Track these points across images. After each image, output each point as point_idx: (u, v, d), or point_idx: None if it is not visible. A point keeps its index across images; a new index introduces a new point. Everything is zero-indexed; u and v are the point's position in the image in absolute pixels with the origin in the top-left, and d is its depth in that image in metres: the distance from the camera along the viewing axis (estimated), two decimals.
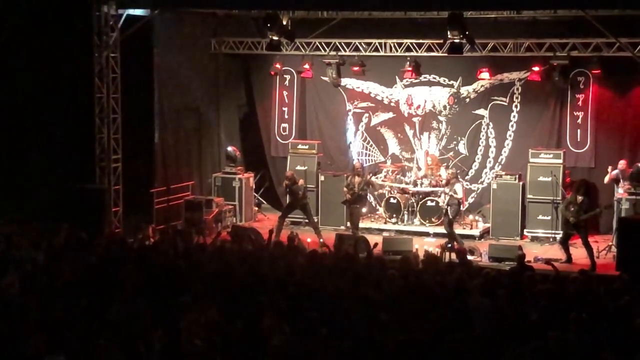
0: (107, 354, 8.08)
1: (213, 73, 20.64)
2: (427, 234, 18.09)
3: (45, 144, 17.09)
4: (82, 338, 8.61)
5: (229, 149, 20.45)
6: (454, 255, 14.39)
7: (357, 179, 17.62)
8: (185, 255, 12.53)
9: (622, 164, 17.61)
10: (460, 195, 17.40)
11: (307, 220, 18.13)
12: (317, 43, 19.39)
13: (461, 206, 17.73)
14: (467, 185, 19.49)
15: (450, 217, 17.08)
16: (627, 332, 8.99)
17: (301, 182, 17.91)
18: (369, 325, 8.98)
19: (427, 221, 18.16)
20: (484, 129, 19.58)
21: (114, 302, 9.68)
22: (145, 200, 18.23)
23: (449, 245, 15.15)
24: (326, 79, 19.64)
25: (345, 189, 17.72)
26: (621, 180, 17.43)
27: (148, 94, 18.45)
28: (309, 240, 16.85)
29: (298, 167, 19.51)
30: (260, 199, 21.15)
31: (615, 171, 17.48)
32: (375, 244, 14.12)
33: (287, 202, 18.31)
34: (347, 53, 19.25)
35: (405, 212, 18.63)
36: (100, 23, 16.90)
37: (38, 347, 8.20)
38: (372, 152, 20.56)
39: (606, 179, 17.64)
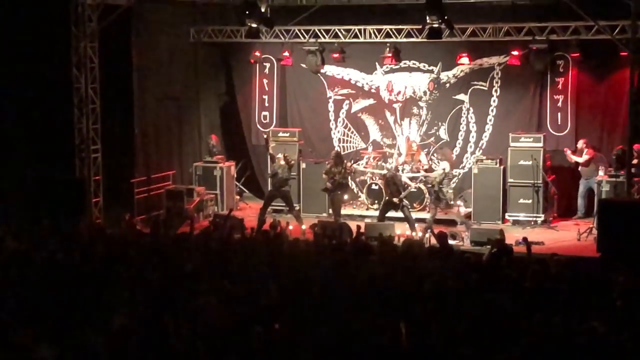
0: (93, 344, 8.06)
1: (192, 62, 20.57)
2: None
3: (24, 134, 16.97)
4: (69, 329, 8.57)
5: (211, 140, 20.41)
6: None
7: (337, 168, 17.59)
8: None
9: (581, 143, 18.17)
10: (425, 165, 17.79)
11: (287, 208, 18.09)
12: (297, 30, 19.35)
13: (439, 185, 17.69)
14: (448, 170, 19.51)
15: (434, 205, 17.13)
16: (609, 313, 9.02)
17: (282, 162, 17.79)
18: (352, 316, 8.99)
19: (410, 206, 18.14)
20: (464, 114, 19.61)
21: (101, 294, 9.63)
22: (126, 190, 18.16)
23: (429, 230, 15.15)
24: (304, 65, 19.57)
25: (325, 176, 17.70)
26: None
27: (127, 83, 18.36)
28: (290, 227, 16.86)
29: (279, 155, 19.42)
30: (242, 187, 21.12)
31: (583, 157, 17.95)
32: (359, 228, 14.11)
33: (267, 192, 18.13)
34: (327, 40, 19.21)
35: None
36: (78, 12, 16.76)
37: (24, 339, 8.17)
38: (353, 138, 20.56)
39: (582, 159, 17.82)
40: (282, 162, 17.65)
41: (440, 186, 17.31)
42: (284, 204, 18.21)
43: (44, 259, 11.33)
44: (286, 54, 19.72)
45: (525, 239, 13.03)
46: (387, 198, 17.21)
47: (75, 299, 9.47)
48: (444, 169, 17.46)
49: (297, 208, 18.45)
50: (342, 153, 19.70)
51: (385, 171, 18.04)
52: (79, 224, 14.68)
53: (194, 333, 8.29)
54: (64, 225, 13.38)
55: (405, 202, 17.15)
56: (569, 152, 18.28)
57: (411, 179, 18.34)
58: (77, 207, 16.26)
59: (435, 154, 19.60)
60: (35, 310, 9.09)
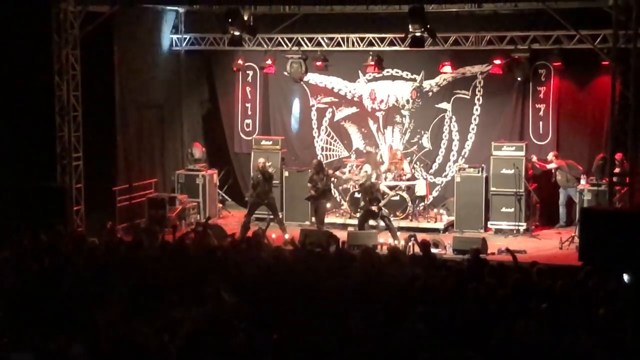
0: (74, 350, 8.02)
1: (175, 69, 20.51)
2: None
3: (5, 142, 16.88)
4: (49, 336, 8.52)
5: (194, 147, 20.34)
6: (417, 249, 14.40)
7: (318, 175, 17.56)
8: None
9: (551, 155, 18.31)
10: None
11: (272, 217, 18.02)
12: (279, 38, 19.33)
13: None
14: (431, 178, 19.57)
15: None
16: (590, 322, 9.03)
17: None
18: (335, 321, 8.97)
19: (392, 215, 18.12)
20: (447, 122, 19.65)
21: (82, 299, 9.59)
22: (108, 198, 18.08)
23: (413, 238, 15.15)
24: (287, 74, 19.55)
25: (309, 184, 17.67)
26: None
27: (109, 91, 18.27)
28: (273, 236, 16.82)
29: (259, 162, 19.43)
30: (225, 195, 21.07)
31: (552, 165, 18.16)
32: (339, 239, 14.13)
33: (251, 200, 18.05)
34: (310, 48, 19.20)
35: None
36: (60, 19, 16.71)
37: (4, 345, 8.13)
38: (336, 147, 20.55)
39: (552, 166, 17.97)
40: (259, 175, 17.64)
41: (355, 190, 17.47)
42: (266, 212, 18.13)
43: (23, 267, 11.28)
44: (269, 62, 19.70)
45: (507, 249, 13.03)
46: (366, 207, 17.19)
47: (56, 308, 9.42)
48: (366, 172, 17.38)
49: (280, 216, 18.40)
50: (326, 161, 19.75)
51: (362, 179, 17.96)
52: (60, 232, 14.60)
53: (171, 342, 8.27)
54: (44, 233, 13.30)
55: (385, 210, 17.13)
56: (534, 158, 18.35)
57: (391, 187, 18.34)
58: (58, 215, 16.17)
59: (417, 162, 19.61)
60: (13, 319, 9.04)
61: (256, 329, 8.63)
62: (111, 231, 15.50)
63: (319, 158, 19.13)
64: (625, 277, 11.16)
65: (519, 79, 18.34)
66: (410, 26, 15.91)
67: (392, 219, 17.45)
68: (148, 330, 8.46)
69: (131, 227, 17.54)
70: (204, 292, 9.90)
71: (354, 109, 20.33)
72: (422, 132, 19.81)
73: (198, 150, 20.35)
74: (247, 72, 20.75)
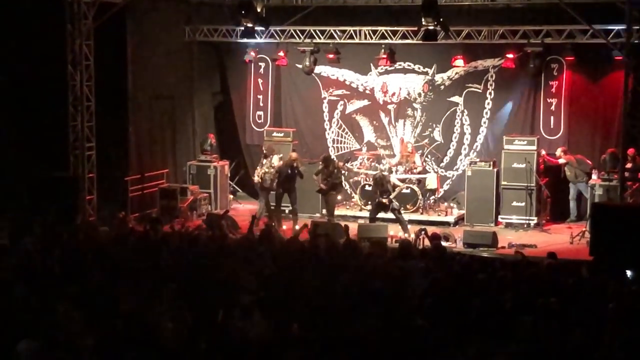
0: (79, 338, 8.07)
1: (187, 61, 20.56)
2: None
3: (19, 132, 16.95)
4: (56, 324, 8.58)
5: (207, 138, 20.38)
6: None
7: (327, 169, 17.56)
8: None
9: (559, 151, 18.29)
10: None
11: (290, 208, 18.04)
12: (292, 31, 19.35)
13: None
14: (442, 172, 19.58)
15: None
16: (599, 317, 9.04)
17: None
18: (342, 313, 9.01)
19: (402, 208, 18.14)
20: (458, 116, 19.65)
21: (91, 289, 9.64)
22: (120, 188, 18.17)
23: (423, 231, 15.18)
24: (299, 66, 19.59)
25: (315, 176, 17.67)
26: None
27: (122, 81, 18.34)
28: (284, 227, 16.91)
29: (277, 156, 19.47)
30: (236, 187, 21.13)
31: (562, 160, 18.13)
32: (347, 227, 14.17)
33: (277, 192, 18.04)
34: (322, 40, 19.22)
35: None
36: (74, 10, 16.75)
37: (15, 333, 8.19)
38: (348, 139, 20.57)
39: (562, 161, 17.98)
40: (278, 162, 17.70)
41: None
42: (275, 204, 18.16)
43: (38, 256, 11.35)
44: (281, 54, 19.73)
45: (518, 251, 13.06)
46: (377, 199, 17.23)
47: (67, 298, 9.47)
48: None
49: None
50: (337, 154, 19.78)
51: (375, 172, 18.04)
52: (73, 222, 14.69)
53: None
54: (58, 223, 13.38)
55: (396, 203, 17.15)
56: (543, 152, 18.34)
57: (402, 180, 18.36)
58: (71, 205, 16.25)
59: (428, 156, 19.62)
60: (26, 308, 9.09)
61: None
62: (123, 221, 15.59)
63: (327, 153, 19.18)
64: (629, 273, 11.20)
65: (531, 73, 18.31)
66: (423, 19, 15.90)
67: (402, 211, 17.47)
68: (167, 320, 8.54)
69: (143, 217, 17.62)
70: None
71: (365, 102, 20.35)
72: (434, 125, 19.81)
73: (209, 141, 20.39)
74: (259, 64, 20.79)
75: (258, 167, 18.25)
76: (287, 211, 18.13)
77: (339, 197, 18.49)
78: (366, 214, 18.04)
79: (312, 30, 19.21)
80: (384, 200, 17.04)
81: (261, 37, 19.41)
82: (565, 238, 16.80)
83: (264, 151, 18.41)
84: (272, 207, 18.02)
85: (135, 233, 13.41)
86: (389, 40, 18.76)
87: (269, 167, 17.95)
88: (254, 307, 8.99)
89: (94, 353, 7.84)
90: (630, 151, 16.64)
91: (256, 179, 18.16)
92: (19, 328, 8.39)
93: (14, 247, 11.89)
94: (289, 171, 17.64)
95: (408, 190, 18.43)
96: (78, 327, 8.40)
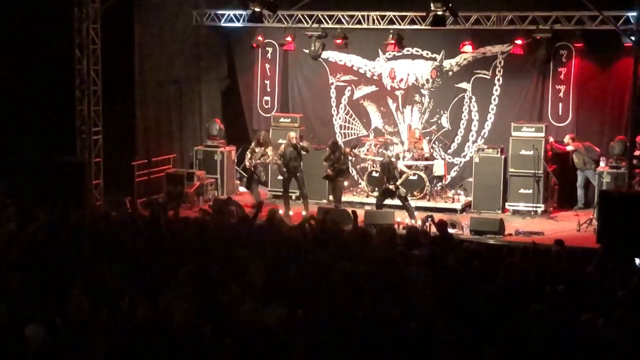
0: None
1: (194, 45, 20.48)
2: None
3: (25, 116, 16.94)
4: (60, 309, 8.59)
5: (213, 123, 20.32)
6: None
7: (334, 155, 17.54)
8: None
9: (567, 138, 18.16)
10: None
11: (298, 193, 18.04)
12: (300, 15, 19.27)
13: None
14: (449, 158, 19.51)
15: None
16: (606, 305, 9.02)
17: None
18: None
19: (409, 194, 18.09)
20: (466, 102, 19.56)
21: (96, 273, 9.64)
22: (126, 173, 18.14)
23: (430, 218, 15.14)
24: (307, 51, 19.53)
25: (325, 162, 17.65)
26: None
27: (129, 66, 18.30)
28: (290, 213, 16.88)
29: (280, 141, 19.43)
30: (242, 172, 21.07)
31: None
32: (354, 213, 14.14)
33: (284, 177, 17.99)
34: (330, 25, 19.13)
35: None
36: None
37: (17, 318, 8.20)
38: (355, 125, 20.51)
39: (570, 148, 17.92)
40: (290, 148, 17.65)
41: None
42: (281, 190, 18.12)
43: (44, 240, 11.36)
44: (289, 39, 19.66)
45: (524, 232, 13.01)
46: (384, 185, 17.20)
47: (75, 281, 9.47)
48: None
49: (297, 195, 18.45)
50: (344, 140, 19.73)
51: (382, 158, 18.01)
52: (79, 206, 14.69)
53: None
54: (64, 207, 13.37)
55: (403, 190, 17.10)
56: (552, 139, 18.27)
57: (409, 167, 18.30)
58: (78, 189, 16.26)
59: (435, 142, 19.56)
60: (33, 291, 9.09)
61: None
62: (130, 206, 15.60)
63: (335, 138, 19.14)
64: (637, 260, 11.16)
65: (540, 59, 18.22)
66: (431, 4, 15.88)
67: (409, 198, 17.43)
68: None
69: (149, 203, 17.61)
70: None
71: (373, 88, 20.27)
72: (442, 111, 19.74)
73: (216, 126, 20.32)
74: (267, 48, 20.72)
75: (248, 153, 18.18)
76: (293, 197, 18.12)
77: (346, 184, 18.44)
78: (373, 200, 17.99)
79: (320, 15, 19.13)
80: (391, 187, 17.00)
81: (269, 22, 19.33)
82: (573, 225, 16.73)
83: (260, 138, 18.29)
84: (280, 193, 18.03)
85: (141, 218, 13.40)
86: (397, 26, 18.66)
87: (262, 157, 17.91)
88: (261, 294, 9.00)
89: (103, 339, 7.84)
90: (639, 138, 16.55)
91: (247, 163, 18.07)
92: (27, 313, 8.41)
93: (21, 232, 11.90)
94: (292, 150, 17.59)
95: (415, 177, 18.38)
96: (87, 312, 8.42)
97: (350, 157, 18.09)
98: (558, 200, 18.59)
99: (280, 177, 18.69)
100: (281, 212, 16.18)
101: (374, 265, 10.38)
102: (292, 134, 17.95)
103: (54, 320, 8.26)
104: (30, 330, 8.05)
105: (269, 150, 18.04)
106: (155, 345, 7.63)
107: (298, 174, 17.72)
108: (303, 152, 17.68)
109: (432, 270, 10.19)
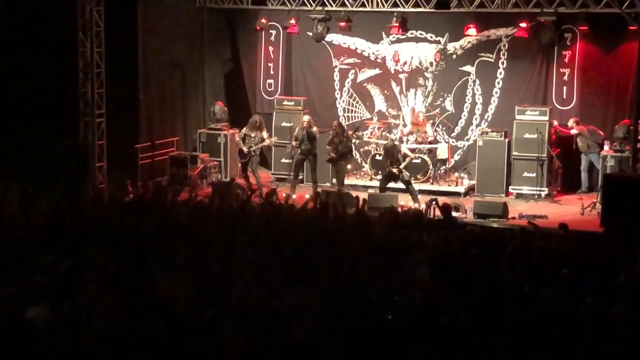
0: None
1: (198, 28, 20.44)
2: None
3: (28, 99, 16.92)
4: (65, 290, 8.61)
5: (217, 106, 20.29)
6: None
7: (338, 137, 17.54)
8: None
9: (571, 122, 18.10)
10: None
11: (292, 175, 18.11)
12: None
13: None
14: (452, 142, 19.48)
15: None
16: (610, 288, 9.02)
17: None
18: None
19: (413, 178, 18.07)
20: (470, 85, 19.51)
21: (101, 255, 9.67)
22: (130, 156, 18.15)
23: (434, 201, 15.13)
24: (310, 34, 19.47)
25: (328, 147, 17.66)
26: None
27: (132, 48, 18.23)
28: (294, 196, 16.88)
29: (284, 124, 19.45)
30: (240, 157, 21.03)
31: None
32: (358, 198, 14.15)
33: (297, 157, 18.07)
34: (334, 8, 19.07)
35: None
36: None
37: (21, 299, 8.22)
38: (358, 108, 20.48)
39: (574, 132, 17.89)
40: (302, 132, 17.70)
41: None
42: (287, 173, 18.16)
43: (47, 222, 11.38)
44: (292, 21, 19.59)
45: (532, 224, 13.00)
46: (387, 169, 17.20)
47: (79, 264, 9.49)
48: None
49: (300, 177, 18.46)
50: (347, 123, 19.71)
51: (386, 141, 18.00)
52: (83, 189, 14.70)
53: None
54: (68, 190, 13.39)
55: (406, 173, 17.09)
56: (555, 123, 18.25)
57: (412, 150, 18.28)
58: (82, 172, 16.26)
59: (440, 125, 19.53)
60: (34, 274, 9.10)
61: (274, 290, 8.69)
62: (144, 188, 15.62)
63: (339, 120, 19.14)
64: None
65: (544, 42, 18.16)
66: None
67: (413, 181, 17.42)
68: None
69: (152, 185, 17.62)
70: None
71: (377, 71, 20.23)
72: (445, 95, 19.70)
73: (220, 109, 20.30)
74: (270, 31, 20.67)
75: (239, 139, 18.15)
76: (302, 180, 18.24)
77: (349, 167, 18.45)
78: (376, 183, 18.00)
79: None
80: (394, 170, 16.99)
81: (272, 4, 19.28)
82: (576, 209, 16.73)
83: (256, 122, 18.28)
84: (285, 176, 18.06)
85: (144, 201, 13.41)
86: (401, 9, 18.59)
87: (261, 141, 17.94)
88: (263, 277, 9.02)
89: (104, 320, 7.86)
90: None
91: (245, 149, 18.06)
92: (29, 295, 8.42)
93: (24, 216, 11.90)
94: (304, 134, 17.62)
95: (419, 160, 18.37)
96: (89, 294, 8.44)
97: (353, 140, 18.08)
98: (562, 184, 18.57)
99: (284, 160, 18.71)
100: (284, 194, 16.20)
101: (374, 250, 10.40)
102: (306, 118, 18.00)
103: (59, 303, 8.26)
104: (31, 312, 8.06)
105: (265, 134, 18.06)
106: (157, 329, 7.64)
107: (310, 157, 17.74)
108: (314, 138, 17.72)
109: (436, 255, 10.20)
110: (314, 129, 17.88)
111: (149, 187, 16.25)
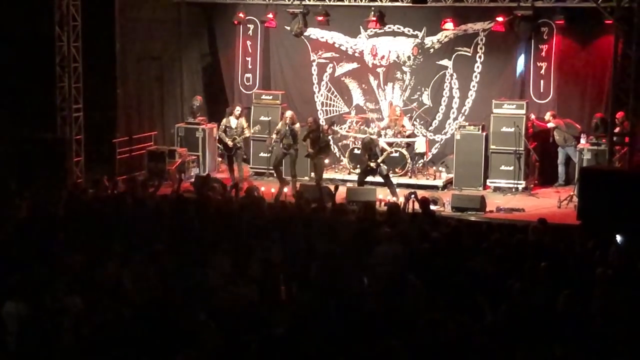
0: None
1: (175, 22, 20.40)
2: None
3: (4, 93, 16.84)
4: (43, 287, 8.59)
5: (195, 100, 20.24)
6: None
7: (314, 133, 17.55)
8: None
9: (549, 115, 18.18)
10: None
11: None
12: None
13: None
14: (430, 136, 19.54)
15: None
16: (587, 282, 9.09)
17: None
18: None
19: (391, 172, 18.10)
20: (447, 79, 19.56)
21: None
22: (108, 151, 18.10)
23: (413, 195, 15.18)
24: (288, 28, 19.44)
25: (303, 142, 17.65)
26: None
27: (109, 42, 18.20)
28: (273, 190, 16.87)
29: (262, 118, 19.44)
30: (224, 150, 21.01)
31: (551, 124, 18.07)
32: (336, 187, 14.19)
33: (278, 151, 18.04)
34: (312, 2, 19.05)
35: None
36: None
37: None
38: (336, 102, 20.49)
39: (551, 125, 17.98)
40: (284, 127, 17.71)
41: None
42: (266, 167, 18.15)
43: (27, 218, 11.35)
44: (270, 16, 19.57)
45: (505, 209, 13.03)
46: (365, 163, 17.23)
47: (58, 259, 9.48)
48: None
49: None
50: (325, 117, 19.73)
51: (364, 135, 18.02)
52: (61, 184, 14.64)
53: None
54: (46, 185, 13.35)
55: (384, 167, 17.13)
56: (533, 116, 18.35)
57: (390, 144, 18.32)
58: (59, 167, 16.20)
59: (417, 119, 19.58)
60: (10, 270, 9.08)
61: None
62: (109, 183, 15.55)
63: (316, 115, 19.18)
64: (618, 238, 11.23)
65: (521, 36, 18.23)
66: None
67: (391, 175, 17.46)
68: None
69: (129, 180, 17.58)
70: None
71: (354, 65, 20.24)
72: (423, 89, 19.74)
73: (197, 103, 20.26)
74: (248, 25, 20.62)
75: (221, 132, 18.20)
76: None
77: (327, 161, 18.45)
78: (355, 177, 18.03)
79: None
80: (372, 164, 17.03)
81: None
82: (553, 202, 16.82)
83: (235, 111, 18.33)
84: (263, 170, 18.06)
85: (120, 196, 13.40)
86: (378, 3, 18.62)
87: (242, 131, 17.97)
88: (238, 271, 9.04)
89: (80, 315, 7.87)
90: (619, 115, 16.61)
91: (230, 142, 18.08)
92: (6, 290, 8.40)
93: (2, 209, 11.87)
94: (287, 129, 17.63)
95: (397, 154, 18.41)
96: (64, 290, 8.42)
97: (329, 134, 18.10)
98: (539, 177, 18.66)
99: (263, 154, 18.71)
100: (269, 190, 16.28)
101: (348, 242, 10.45)
102: (289, 114, 18.01)
103: (39, 299, 8.25)
104: (9, 307, 8.05)
105: (244, 122, 18.08)
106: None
107: (292, 152, 17.74)
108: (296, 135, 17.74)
109: (407, 246, 10.25)
110: (297, 125, 17.87)
111: (118, 183, 16.16)
